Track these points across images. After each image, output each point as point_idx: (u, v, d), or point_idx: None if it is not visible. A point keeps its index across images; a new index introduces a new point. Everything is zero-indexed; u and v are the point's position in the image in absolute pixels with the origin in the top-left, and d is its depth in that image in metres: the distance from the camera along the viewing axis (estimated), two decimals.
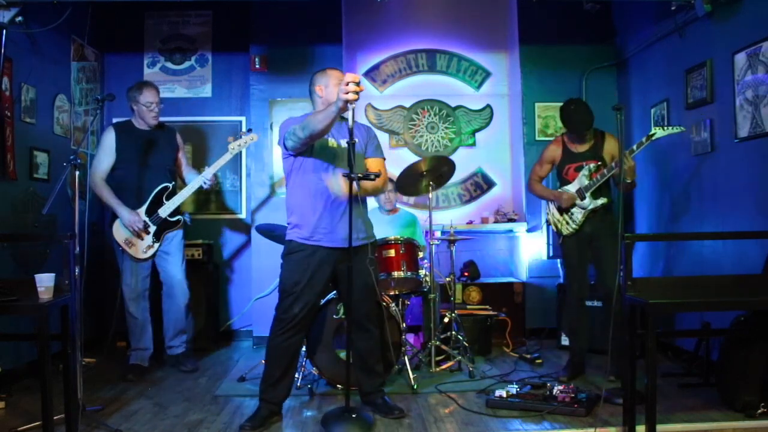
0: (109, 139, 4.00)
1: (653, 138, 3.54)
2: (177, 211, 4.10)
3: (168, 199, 4.05)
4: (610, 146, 3.78)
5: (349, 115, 2.85)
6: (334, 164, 3.10)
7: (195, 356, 4.36)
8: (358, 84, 2.71)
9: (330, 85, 3.14)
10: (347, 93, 2.69)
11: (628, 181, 3.58)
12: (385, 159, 3.32)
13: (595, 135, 3.83)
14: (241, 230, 5.30)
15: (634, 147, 3.58)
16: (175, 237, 4.12)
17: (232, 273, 5.31)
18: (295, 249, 3.09)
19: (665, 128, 3.57)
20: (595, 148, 3.80)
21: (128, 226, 3.93)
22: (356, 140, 2.90)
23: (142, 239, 3.99)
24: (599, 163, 3.76)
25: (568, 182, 3.86)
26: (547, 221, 4.00)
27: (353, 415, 2.97)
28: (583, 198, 3.77)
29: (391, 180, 4.18)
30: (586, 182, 3.75)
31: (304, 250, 3.07)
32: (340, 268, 3.11)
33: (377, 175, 3.00)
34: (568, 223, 3.83)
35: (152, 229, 4.01)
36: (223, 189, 5.27)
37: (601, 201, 3.73)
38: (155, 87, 4.11)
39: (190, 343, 4.30)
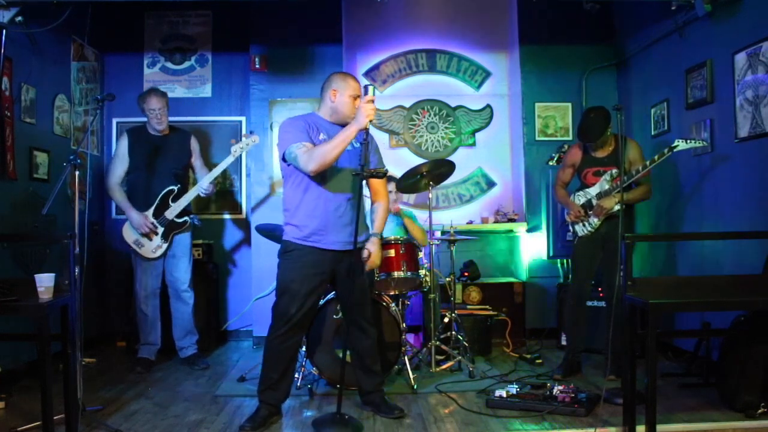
0: (123, 145, 4.18)
1: (675, 149, 3.55)
2: (184, 212, 4.20)
3: (174, 201, 4.15)
4: (631, 152, 3.78)
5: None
6: (337, 168, 3.04)
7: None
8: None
9: (345, 96, 3.05)
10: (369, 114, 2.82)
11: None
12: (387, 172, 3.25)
13: (617, 141, 3.81)
14: (241, 230, 5.30)
15: (656, 157, 3.58)
16: (184, 240, 4.24)
17: (232, 273, 5.31)
18: (290, 248, 3.08)
19: (687, 141, 3.57)
20: (615, 153, 3.78)
21: (137, 228, 4.08)
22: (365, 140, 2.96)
23: (151, 240, 4.12)
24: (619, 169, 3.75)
25: (587, 186, 3.89)
26: (565, 221, 4.03)
27: (346, 417, 2.98)
28: (587, 215, 3.83)
29: (393, 179, 4.17)
30: (607, 186, 3.77)
31: (299, 250, 3.06)
32: (338, 269, 3.11)
33: (385, 173, 3.04)
34: (584, 225, 3.86)
35: (160, 230, 4.13)
36: (223, 189, 5.27)
37: (616, 207, 3.72)
38: (160, 94, 4.18)
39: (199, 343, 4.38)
